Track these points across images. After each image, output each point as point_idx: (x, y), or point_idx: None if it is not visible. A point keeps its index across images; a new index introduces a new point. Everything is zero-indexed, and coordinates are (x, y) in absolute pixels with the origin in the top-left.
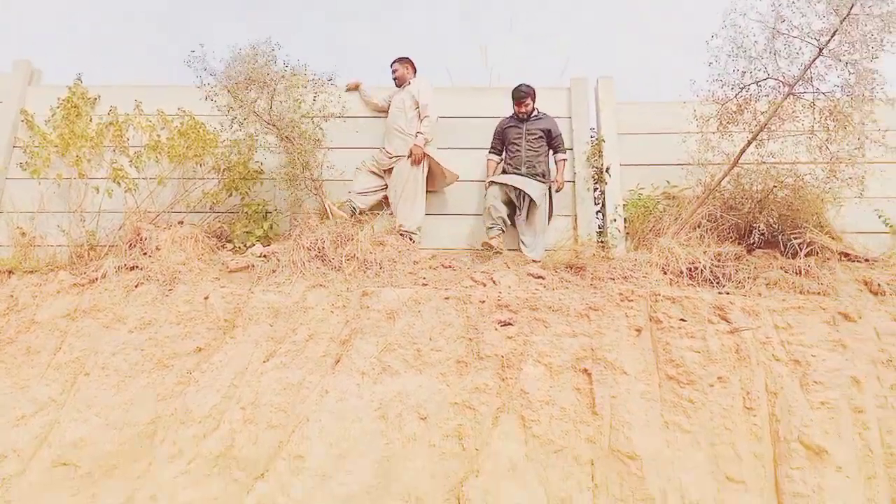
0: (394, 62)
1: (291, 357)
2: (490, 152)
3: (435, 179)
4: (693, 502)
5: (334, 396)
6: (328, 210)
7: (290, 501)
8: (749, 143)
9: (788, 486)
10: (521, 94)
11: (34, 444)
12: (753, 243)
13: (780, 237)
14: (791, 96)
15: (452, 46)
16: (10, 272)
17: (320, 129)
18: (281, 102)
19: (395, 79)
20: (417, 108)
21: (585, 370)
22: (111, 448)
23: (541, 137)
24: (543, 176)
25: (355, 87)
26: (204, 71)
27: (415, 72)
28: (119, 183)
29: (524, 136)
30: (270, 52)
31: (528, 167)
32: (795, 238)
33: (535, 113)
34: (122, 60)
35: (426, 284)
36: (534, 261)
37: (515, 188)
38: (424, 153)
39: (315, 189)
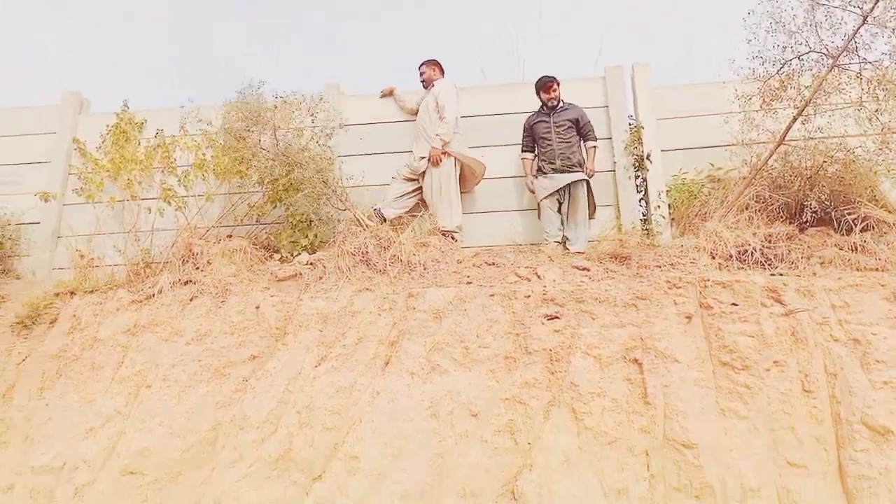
0: (421, 64)
1: (342, 361)
2: (523, 151)
3: (466, 180)
4: (753, 489)
5: (385, 397)
6: (359, 221)
7: (348, 501)
8: (794, 119)
9: (853, 468)
10: (546, 81)
11: (103, 455)
12: (805, 222)
13: (832, 214)
14: (836, 68)
15: (452, 46)
16: (72, 293)
17: (328, 146)
18: (285, 133)
19: (422, 81)
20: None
21: (636, 360)
22: (175, 456)
23: (570, 128)
24: (579, 165)
25: (390, 93)
26: (199, 122)
27: (442, 73)
28: (169, 202)
29: (553, 128)
30: (258, 91)
31: (562, 160)
32: (849, 213)
33: (560, 104)
34: (123, 60)
35: (471, 282)
36: (577, 253)
37: (559, 190)
38: (442, 154)
39: (342, 203)
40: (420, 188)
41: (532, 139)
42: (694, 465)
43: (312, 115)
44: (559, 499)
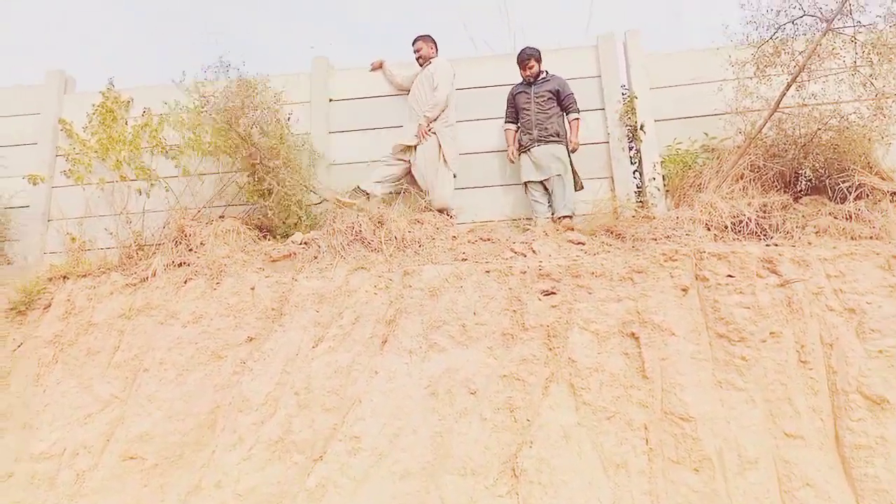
0: (416, 40)
1: (339, 341)
2: (506, 122)
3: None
4: (751, 461)
5: (384, 377)
6: (340, 203)
7: (349, 481)
8: (788, 85)
9: (850, 438)
10: (525, 57)
11: (102, 440)
12: (800, 191)
13: (827, 182)
14: (830, 32)
15: (440, 14)
16: (64, 277)
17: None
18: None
19: (418, 58)
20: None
21: (633, 334)
22: (175, 439)
23: (550, 99)
24: (557, 135)
25: (379, 66)
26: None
27: (436, 49)
28: (152, 184)
29: (532, 99)
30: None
31: (539, 130)
32: (843, 182)
33: (543, 76)
34: (106, 37)
35: (466, 259)
36: (564, 217)
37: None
38: (426, 132)
39: (317, 195)
40: (407, 170)
41: (515, 110)
42: (692, 438)
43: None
44: (559, 474)
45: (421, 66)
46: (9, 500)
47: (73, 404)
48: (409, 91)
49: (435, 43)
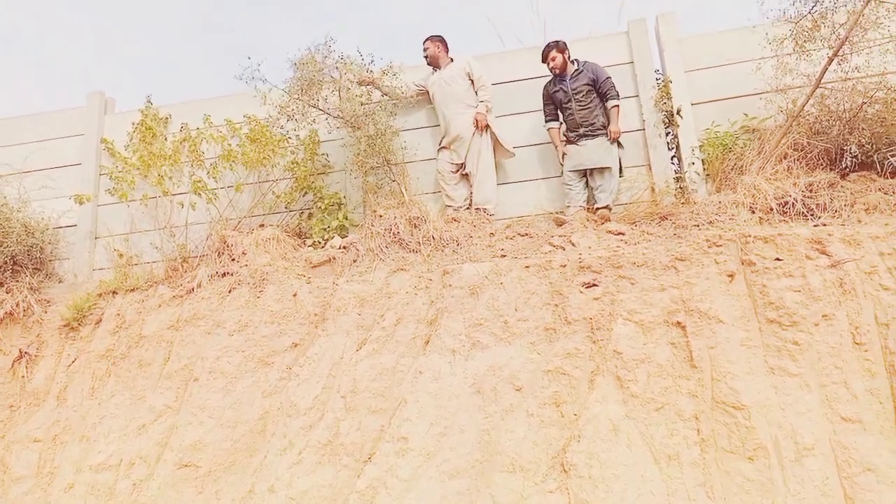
0: (425, 41)
1: (382, 343)
2: (547, 121)
3: (496, 150)
4: (807, 447)
5: (428, 377)
6: (404, 194)
7: (399, 482)
8: (830, 60)
9: None
10: (546, 50)
11: (157, 450)
12: (847, 168)
13: (875, 157)
14: (873, 1)
15: (468, 11)
16: (114, 292)
17: (394, 114)
18: (348, 90)
19: (426, 57)
20: (470, 80)
21: (679, 323)
22: (227, 446)
23: (589, 91)
24: (603, 128)
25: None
26: (254, 79)
27: (447, 50)
28: (200, 195)
29: (571, 96)
30: (327, 48)
31: (585, 127)
32: (892, 155)
33: (575, 67)
34: (145, 58)
35: (505, 255)
36: (604, 207)
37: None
38: (485, 126)
39: (393, 175)
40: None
41: (554, 106)
42: (745, 427)
43: (378, 86)
44: (610, 468)
45: (431, 65)
46: None
47: (127, 416)
48: (419, 96)
49: (444, 43)
